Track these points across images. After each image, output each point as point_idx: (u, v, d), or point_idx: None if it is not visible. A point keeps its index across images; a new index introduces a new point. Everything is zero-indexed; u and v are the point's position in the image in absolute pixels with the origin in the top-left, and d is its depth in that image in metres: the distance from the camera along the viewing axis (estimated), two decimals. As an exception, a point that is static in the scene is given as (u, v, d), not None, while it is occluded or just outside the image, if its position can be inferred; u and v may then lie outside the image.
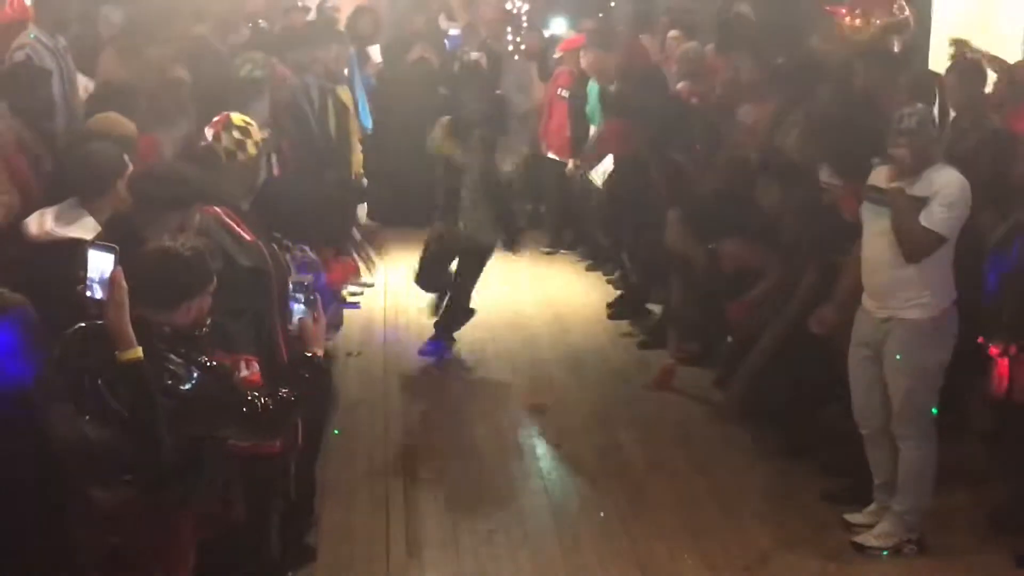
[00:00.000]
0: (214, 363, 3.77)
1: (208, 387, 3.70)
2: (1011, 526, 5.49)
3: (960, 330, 5.26)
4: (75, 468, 3.38)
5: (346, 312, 8.15)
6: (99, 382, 3.58)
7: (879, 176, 5.26)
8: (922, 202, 5.07)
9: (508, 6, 12.47)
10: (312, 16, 11.07)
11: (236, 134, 4.86)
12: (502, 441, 6.75)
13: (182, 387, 3.64)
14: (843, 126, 6.22)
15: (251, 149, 4.89)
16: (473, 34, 11.50)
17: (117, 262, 3.64)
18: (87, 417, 3.56)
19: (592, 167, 9.05)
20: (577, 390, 7.53)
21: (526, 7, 12.65)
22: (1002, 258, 5.45)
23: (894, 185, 5.12)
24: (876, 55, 7.22)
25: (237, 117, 4.95)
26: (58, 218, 4.60)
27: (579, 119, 9.99)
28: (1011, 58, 7.12)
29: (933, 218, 5.06)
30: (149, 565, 3.76)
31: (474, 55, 10.57)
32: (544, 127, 10.50)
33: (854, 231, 5.45)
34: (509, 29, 12.15)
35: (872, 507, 5.57)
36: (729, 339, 7.26)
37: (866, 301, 5.36)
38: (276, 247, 4.87)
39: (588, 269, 10.09)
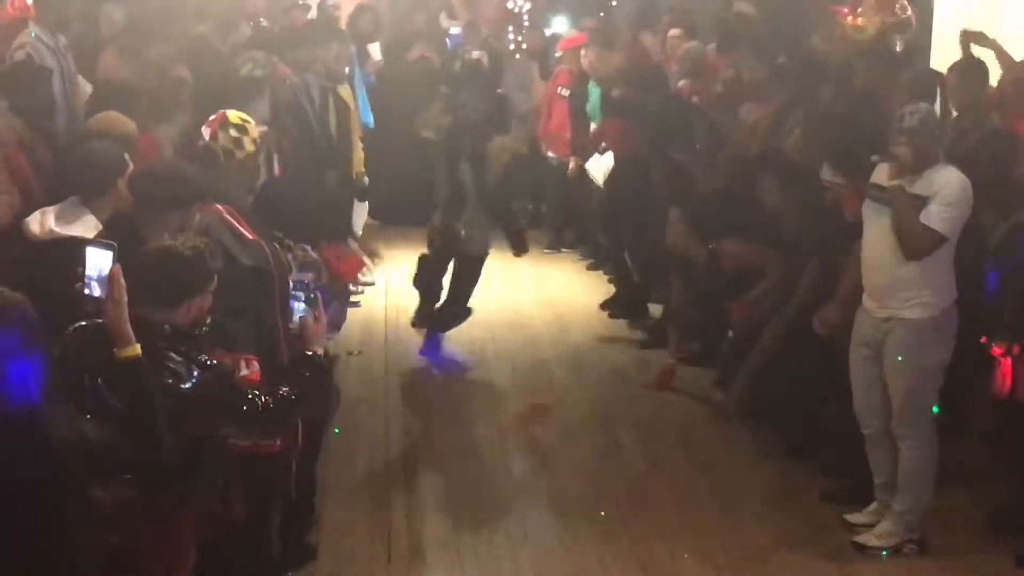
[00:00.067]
0: (214, 362, 3.77)
1: (208, 386, 3.70)
2: (1011, 526, 5.49)
3: (962, 330, 5.26)
4: (75, 467, 3.37)
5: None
6: (99, 381, 3.58)
7: (881, 175, 5.26)
8: (923, 201, 5.07)
9: (509, 5, 12.45)
10: (313, 15, 11.06)
11: (233, 132, 4.86)
12: (502, 441, 6.75)
13: (182, 386, 3.64)
14: (844, 125, 6.22)
15: (249, 147, 4.89)
16: (474, 33, 11.50)
17: (115, 259, 3.64)
18: (87, 416, 3.56)
19: (588, 154, 9.05)
20: (577, 390, 7.53)
21: (527, 6, 12.63)
22: (1004, 258, 5.46)
23: (895, 183, 5.11)
24: (878, 54, 7.21)
25: (234, 115, 4.95)
26: (59, 217, 4.60)
27: (579, 118, 9.98)
28: (1014, 58, 7.11)
29: (934, 217, 5.06)
30: (149, 565, 3.76)
31: (475, 54, 10.56)
32: (543, 126, 10.49)
33: (855, 231, 5.45)
34: (510, 28, 12.14)
35: (873, 507, 5.57)
36: (730, 334, 7.25)
37: (866, 300, 5.35)
38: (278, 246, 4.87)
39: (589, 269, 10.09)
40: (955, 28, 7.41)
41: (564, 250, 10.65)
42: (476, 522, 5.74)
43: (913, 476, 5.31)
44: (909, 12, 7.92)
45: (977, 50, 6.96)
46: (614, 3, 12.98)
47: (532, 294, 9.44)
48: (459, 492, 6.06)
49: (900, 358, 5.22)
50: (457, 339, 8.10)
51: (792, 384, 6.39)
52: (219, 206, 4.53)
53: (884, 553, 5.37)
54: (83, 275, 3.65)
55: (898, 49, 7.72)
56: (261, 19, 10.44)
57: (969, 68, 6.57)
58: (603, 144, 9.15)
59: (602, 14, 12.46)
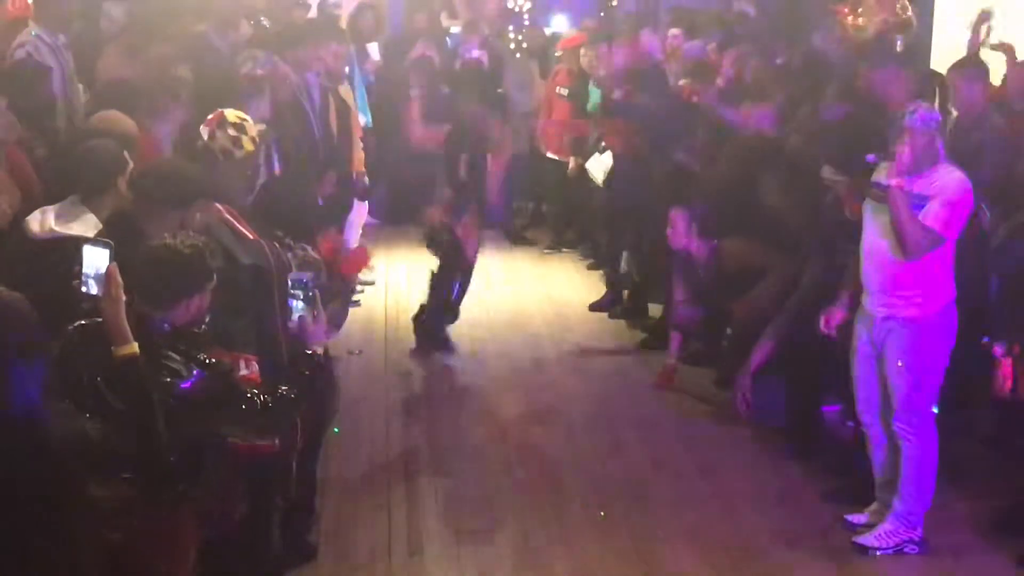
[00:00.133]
0: (213, 361, 3.77)
1: (207, 384, 3.70)
2: (1011, 526, 5.49)
3: (963, 330, 5.25)
4: (75, 467, 3.37)
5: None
6: (98, 380, 3.57)
7: (881, 174, 5.26)
8: (923, 200, 5.07)
9: (510, 4, 12.46)
10: (313, 13, 11.05)
11: (231, 131, 4.86)
12: (502, 441, 6.74)
13: (181, 384, 3.64)
14: (846, 124, 6.21)
15: (247, 145, 4.89)
16: (474, 32, 11.49)
17: (112, 257, 3.64)
18: (87, 415, 3.55)
19: (588, 154, 9.06)
20: (578, 389, 7.52)
21: (528, 5, 12.64)
22: (1005, 258, 5.45)
23: (895, 182, 5.11)
24: (878, 54, 7.21)
25: (231, 114, 4.95)
26: (59, 216, 4.60)
27: (579, 117, 9.97)
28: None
29: (933, 217, 5.05)
30: (150, 564, 3.76)
31: (475, 53, 10.55)
32: (543, 126, 10.49)
33: (857, 230, 5.44)
34: (511, 27, 12.14)
35: (873, 506, 5.56)
36: (728, 331, 7.24)
37: (866, 300, 5.35)
38: (278, 245, 4.86)
39: (589, 268, 10.08)
40: (956, 28, 7.41)
41: (564, 250, 10.64)
42: (476, 522, 5.73)
43: (914, 475, 5.31)
44: (910, 12, 7.91)
45: (984, 51, 6.97)
46: (614, 3, 12.98)
47: (533, 293, 9.44)
48: (459, 492, 6.05)
49: (900, 357, 5.21)
50: (457, 339, 8.11)
51: (792, 384, 6.39)
52: (218, 205, 4.53)
53: (885, 553, 5.37)
54: (80, 273, 3.65)
55: (899, 49, 7.71)
56: (262, 18, 10.43)
57: (970, 67, 6.56)
58: (603, 144, 9.15)
59: (602, 14, 12.47)
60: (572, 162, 10.03)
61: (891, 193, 5.09)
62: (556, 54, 10.70)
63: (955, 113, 6.50)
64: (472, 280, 8.18)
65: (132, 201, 4.50)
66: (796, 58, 7.80)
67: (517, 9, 12.53)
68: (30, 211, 4.77)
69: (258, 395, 3.83)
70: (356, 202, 8.67)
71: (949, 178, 5.10)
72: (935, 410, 5.33)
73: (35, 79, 6.49)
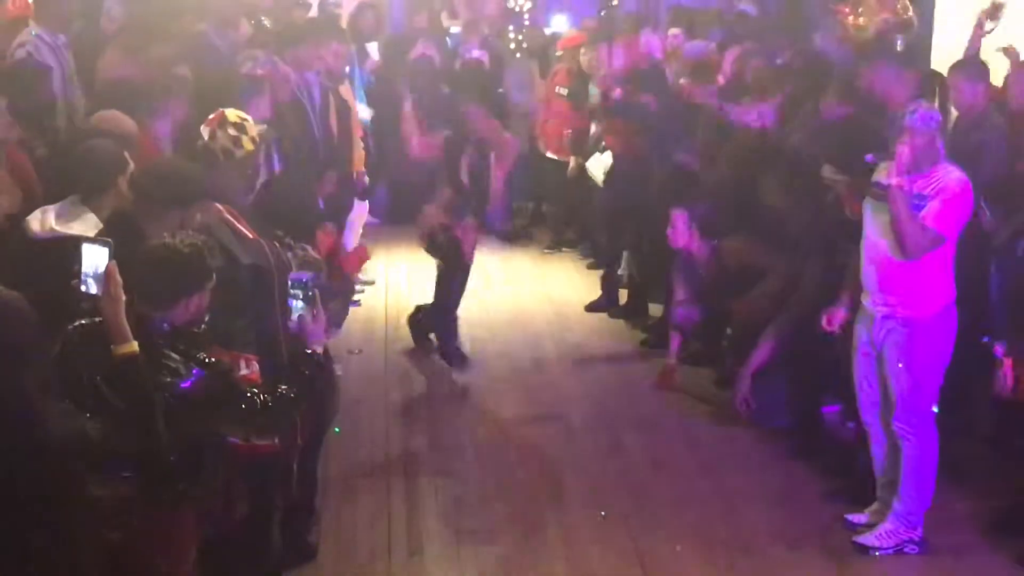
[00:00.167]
0: (213, 360, 3.77)
1: (207, 384, 3.70)
2: (1012, 526, 5.49)
3: (964, 330, 5.25)
4: (75, 466, 3.37)
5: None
6: (98, 379, 3.57)
7: (881, 173, 5.26)
8: (923, 200, 5.07)
9: (510, 4, 12.45)
10: (314, 13, 11.05)
11: (231, 131, 4.86)
12: (503, 440, 6.74)
13: (181, 384, 3.64)
14: (846, 123, 6.21)
15: (247, 145, 4.89)
16: (475, 32, 11.48)
17: (111, 256, 3.64)
18: (87, 415, 3.55)
19: (588, 154, 9.04)
20: (578, 389, 7.52)
21: (528, 5, 12.63)
22: (1006, 258, 5.45)
23: (895, 182, 5.11)
24: (879, 54, 7.20)
25: (232, 113, 4.94)
26: (60, 216, 4.60)
27: (579, 118, 9.97)
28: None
29: (933, 216, 5.05)
30: (150, 563, 3.76)
31: (475, 53, 10.55)
32: (542, 126, 10.49)
33: (858, 230, 5.44)
34: (511, 27, 12.13)
35: (874, 506, 5.56)
36: (728, 331, 7.24)
37: (866, 299, 5.35)
38: (278, 245, 4.86)
39: (589, 268, 10.07)
40: (955, 28, 7.41)
41: (564, 250, 10.64)
42: (476, 522, 5.73)
43: (914, 475, 5.31)
44: (910, 12, 7.91)
45: (985, 52, 6.96)
46: (614, 3, 12.97)
47: (533, 293, 9.43)
48: (459, 492, 6.05)
49: (900, 357, 5.21)
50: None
51: (793, 384, 6.39)
52: (218, 205, 4.53)
53: (885, 553, 5.37)
54: (80, 272, 3.65)
55: (899, 49, 7.71)
56: (262, 17, 10.43)
57: (970, 67, 6.56)
58: (603, 143, 9.14)
59: (602, 14, 12.46)
60: (572, 162, 10.03)
61: (891, 193, 5.09)
62: (556, 54, 10.70)
63: (955, 113, 6.50)
64: (471, 280, 8.18)
65: (132, 201, 4.50)
66: (797, 58, 7.78)
67: (517, 9, 12.51)
68: (30, 211, 4.77)
69: (258, 395, 3.83)
70: (356, 202, 8.66)
71: (949, 178, 5.10)
72: (935, 410, 5.33)
73: (35, 79, 6.48)
